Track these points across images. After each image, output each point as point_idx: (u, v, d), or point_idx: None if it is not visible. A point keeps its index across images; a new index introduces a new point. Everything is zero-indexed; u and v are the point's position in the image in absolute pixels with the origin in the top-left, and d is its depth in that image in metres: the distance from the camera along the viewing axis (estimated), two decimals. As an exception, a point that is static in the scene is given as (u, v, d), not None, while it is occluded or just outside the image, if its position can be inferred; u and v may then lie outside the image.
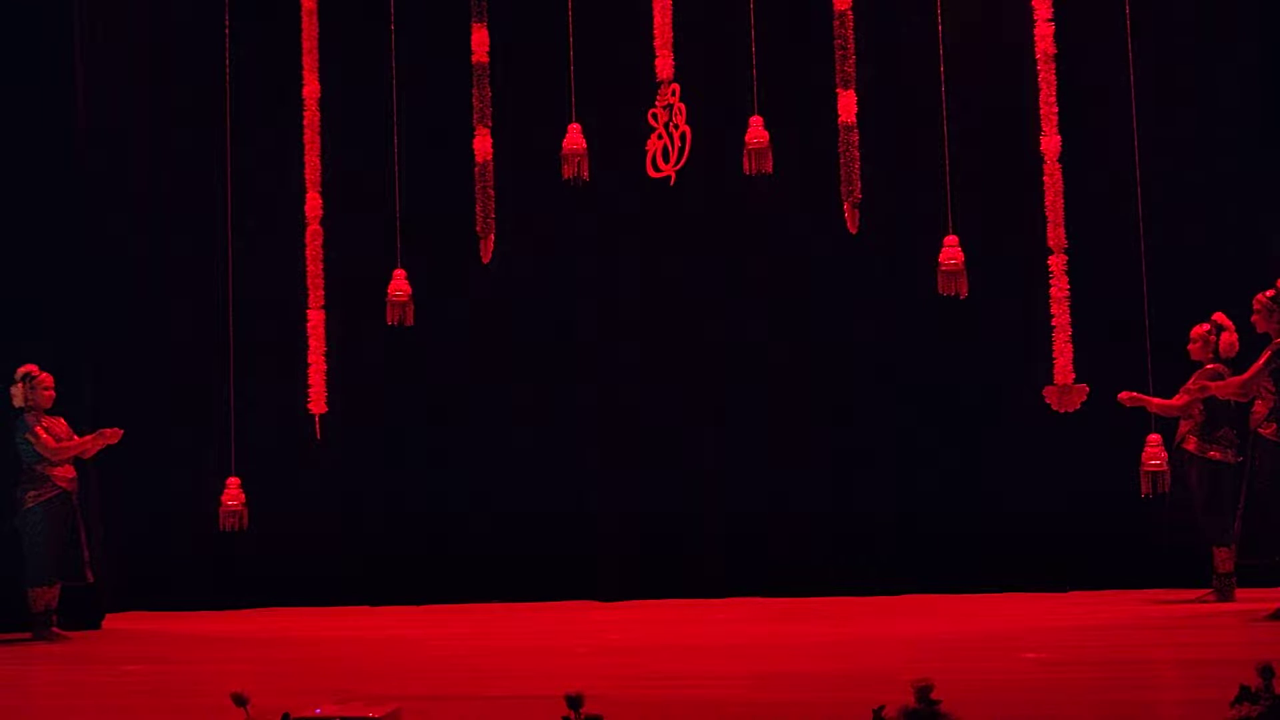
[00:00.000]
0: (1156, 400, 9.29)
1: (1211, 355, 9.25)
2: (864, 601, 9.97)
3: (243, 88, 10.37)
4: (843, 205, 9.31)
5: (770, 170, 9.27)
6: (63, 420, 9.42)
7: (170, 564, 10.83)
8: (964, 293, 9.23)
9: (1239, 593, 9.13)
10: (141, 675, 7.76)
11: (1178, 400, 9.27)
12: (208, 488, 10.11)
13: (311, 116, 10.17)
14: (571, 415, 10.97)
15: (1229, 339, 9.20)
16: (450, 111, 10.28)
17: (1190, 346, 9.32)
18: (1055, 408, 9.33)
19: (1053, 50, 9.28)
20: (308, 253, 10.16)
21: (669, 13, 9.53)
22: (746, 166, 9.28)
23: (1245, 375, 8.70)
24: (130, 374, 10.73)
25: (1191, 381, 9.21)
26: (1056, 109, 9.26)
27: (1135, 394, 9.30)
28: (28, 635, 9.21)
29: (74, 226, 10.16)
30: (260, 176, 10.59)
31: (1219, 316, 9.24)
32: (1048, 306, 9.33)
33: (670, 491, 10.73)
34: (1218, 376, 9.07)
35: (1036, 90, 9.31)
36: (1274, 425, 8.49)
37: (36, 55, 10.10)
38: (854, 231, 9.33)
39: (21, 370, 9.31)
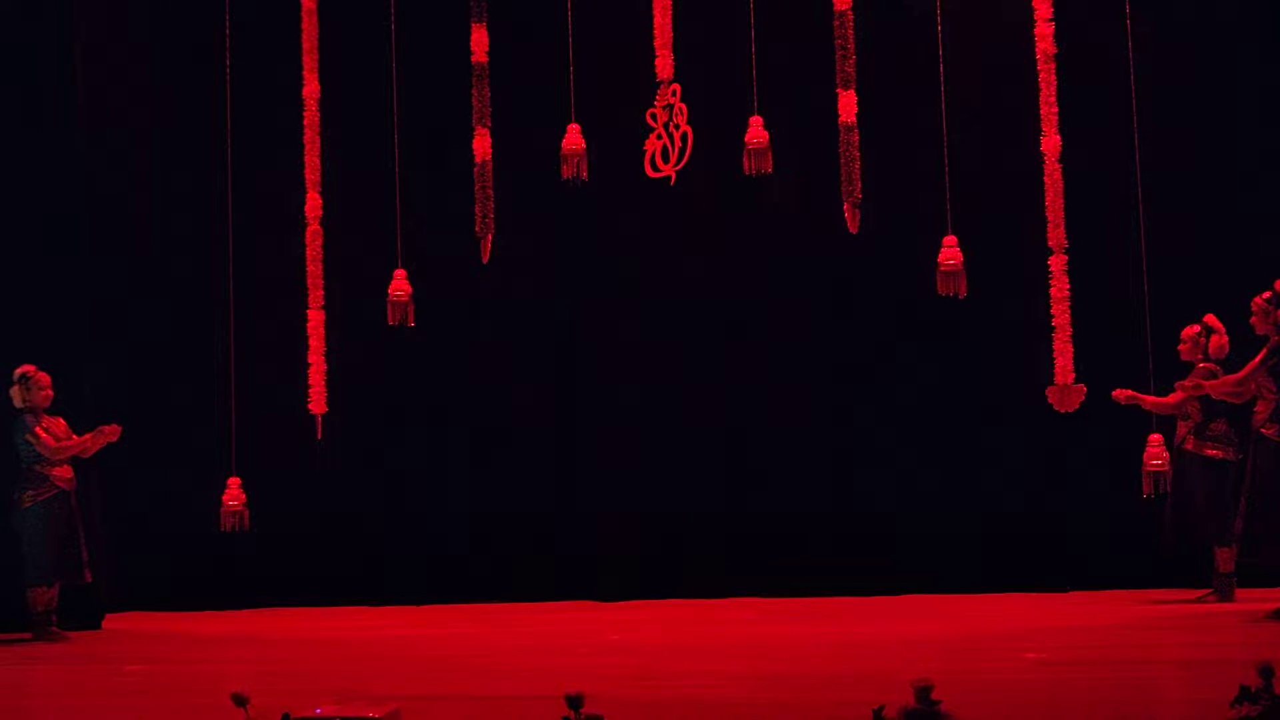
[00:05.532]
0: (1151, 398, 9.31)
1: (1201, 357, 9.26)
2: (864, 601, 9.97)
3: (243, 88, 10.37)
4: (843, 205, 9.31)
5: (770, 170, 9.28)
6: (61, 420, 9.41)
7: (170, 564, 10.83)
8: (964, 293, 9.23)
9: (1239, 593, 9.13)
10: (141, 675, 7.76)
11: (1172, 398, 9.28)
12: (208, 488, 10.10)
13: (311, 116, 10.18)
14: (571, 415, 10.97)
15: (1218, 341, 9.20)
16: (450, 111, 10.28)
17: (1180, 347, 9.33)
18: (1056, 408, 9.33)
19: (1053, 50, 9.28)
20: (308, 253, 10.17)
21: (669, 13, 9.54)
22: (746, 166, 9.29)
23: (1240, 373, 8.71)
24: (130, 374, 10.73)
25: (1187, 380, 9.22)
26: (1056, 109, 9.26)
27: (1130, 392, 9.31)
28: (28, 635, 9.22)
29: (74, 226, 10.17)
30: (260, 176, 10.59)
31: (1210, 319, 9.25)
32: (1048, 306, 9.33)
33: (670, 491, 10.73)
34: (1211, 376, 9.08)
35: (1036, 90, 9.31)
36: (1276, 426, 8.49)
37: (36, 55, 10.11)
38: (854, 231, 9.33)
39: (18, 371, 9.30)
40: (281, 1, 10.37)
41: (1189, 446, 9.27)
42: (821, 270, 10.58)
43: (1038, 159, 9.32)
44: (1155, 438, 9.28)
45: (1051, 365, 9.32)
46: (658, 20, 9.53)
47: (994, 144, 10.05)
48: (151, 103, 11.22)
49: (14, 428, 9.29)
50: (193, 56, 10.77)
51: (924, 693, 4.75)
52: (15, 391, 9.30)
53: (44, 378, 9.33)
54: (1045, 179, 9.27)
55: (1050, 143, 9.26)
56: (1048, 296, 9.32)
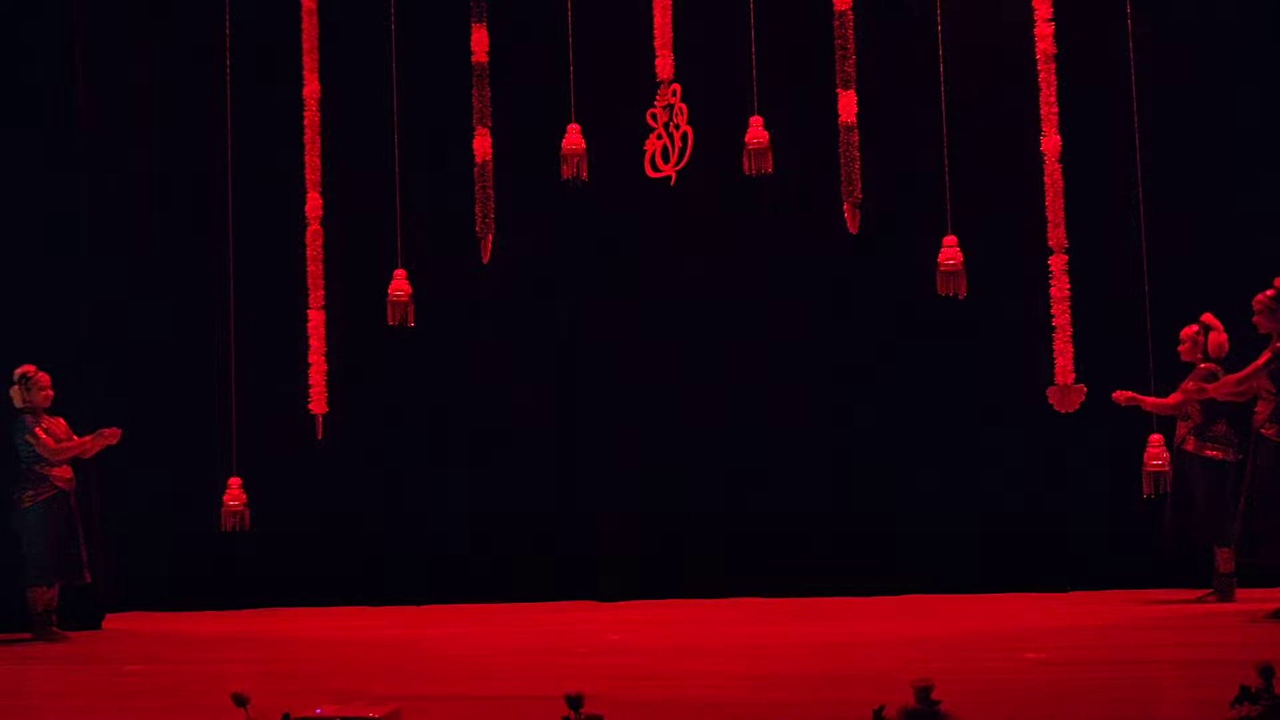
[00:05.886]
0: (1151, 399, 9.31)
1: (1200, 356, 9.26)
2: (864, 601, 9.97)
3: (243, 88, 10.37)
4: (843, 205, 9.31)
5: (770, 170, 9.28)
6: (62, 420, 9.42)
7: (170, 564, 10.83)
8: (963, 293, 9.23)
9: (1239, 593, 9.14)
10: (141, 675, 7.76)
11: (1173, 399, 9.28)
12: (208, 488, 10.10)
13: (311, 116, 10.18)
14: (571, 415, 10.97)
15: (1217, 339, 9.20)
16: (450, 111, 10.28)
17: (1180, 348, 9.34)
18: (1056, 408, 9.33)
19: (1053, 50, 9.28)
20: (308, 253, 10.17)
21: (669, 13, 9.53)
22: (746, 166, 9.29)
23: (1242, 374, 8.71)
24: (130, 374, 10.73)
25: (1188, 381, 9.22)
26: (1056, 109, 9.26)
27: (1130, 393, 9.31)
28: (28, 635, 9.22)
29: (74, 226, 10.17)
30: (260, 176, 10.58)
31: (1207, 317, 9.25)
32: (1048, 306, 9.32)
33: (670, 491, 10.73)
34: (1212, 376, 9.08)
35: (1036, 90, 9.31)
36: (1276, 426, 8.49)
37: (37, 53, 10.12)
38: (854, 231, 9.33)
39: (18, 371, 9.31)
40: (281, 1, 10.37)
41: (1189, 447, 9.27)
42: (821, 270, 10.58)
43: (1038, 159, 9.31)
44: (1155, 438, 9.28)
45: (1051, 365, 9.31)
46: (658, 20, 9.53)
47: (994, 144, 10.05)
48: (151, 103, 11.23)
49: (14, 428, 9.30)
50: (193, 56, 10.77)
51: (924, 693, 4.75)
52: (15, 391, 9.30)
53: (44, 378, 9.34)
54: (1045, 179, 9.26)
55: (1050, 143, 9.26)
56: (1048, 296, 9.32)
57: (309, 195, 10.16)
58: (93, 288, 10.33)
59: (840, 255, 10.18)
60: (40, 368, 9.34)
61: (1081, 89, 9.59)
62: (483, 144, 9.91)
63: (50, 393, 9.36)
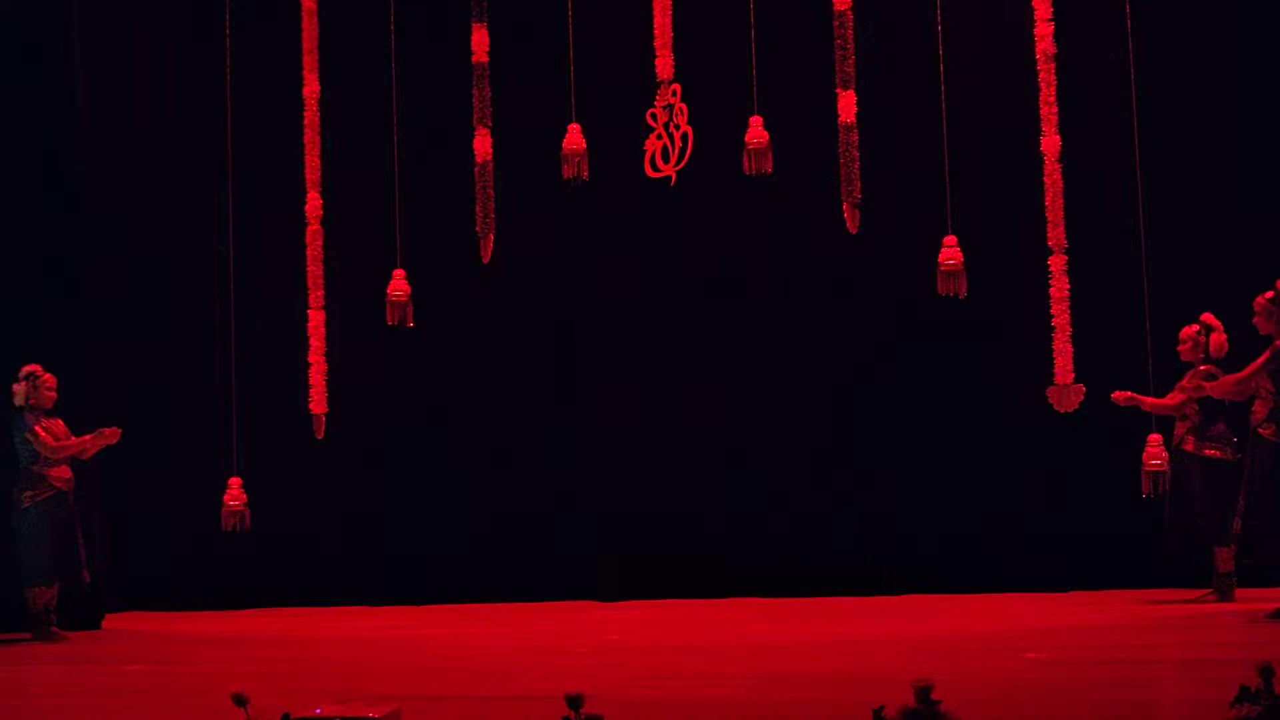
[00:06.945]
0: (1150, 399, 9.31)
1: (1201, 356, 9.26)
2: (864, 601, 9.97)
3: (243, 88, 10.37)
4: (843, 205, 9.31)
5: (770, 170, 9.27)
6: (60, 421, 9.42)
7: (170, 564, 10.84)
8: (964, 293, 9.23)
9: (1239, 593, 9.14)
10: (141, 675, 7.76)
11: (1172, 399, 9.28)
12: (208, 487, 10.11)
13: (311, 116, 10.18)
14: (572, 415, 10.97)
15: (1218, 339, 9.20)
16: (450, 111, 10.28)
17: (1180, 348, 9.33)
18: (1056, 408, 9.33)
19: (1053, 50, 9.28)
20: (308, 253, 10.17)
21: (669, 13, 9.53)
22: (746, 166, 9.29)
23: (1242, 374, 8.70)
24: (130, 374, 10.73)
25: (1186, 380, 9.22)
26: (1056, 109, 9.26)
27: (1130, 394, 9.31)
28: (28, 635, 9.22)
29: (74, 225, 10.18)
30: (260, 176, 10.58)
31: (1208, 317, 9.25)
32: (1048, 306, 9.32)
33: (670, 491, 10.73)
34: (1211, 377, 9.08)
35: (1036, 90, 9.31)
36: (1273, 426, 8.49)
37: (38, 54, 10.12)
38: (854, 231, 9.33)
39: (25, 369, 9.32)
40: (281, 1, 10.37)
41: (1188, 447, 9.27)
42: (821, 270, 10.58)
43: (1038, 159, 9.31)
44: (1155, 438, 9.28)
45: (1051, 365, 9.31)
46: (658, 20, 9.53)
47: (994, 144, 10.05)
48: (152, 102, 11.23)
49: (13, 426, 9.30)
50: (193, 56, 10.77)
51: (924, 693, 4.75)
52: (21, 389, 9.29)
53: (50, 378, 9.36)
54: (1045, 179, 9.26)
55: (1050, 143, 9.25)
56: (1048, 296, 9.32)
57: (309, 195, 10.16)
58: (93, 288, 10.32)
59: (840, 255, 10.17)
60: (43, 368, 9.35)
61: (1081, 89, 9.59)
62: (483, 144, 9.91)
63: (54, 394, 9.37)
